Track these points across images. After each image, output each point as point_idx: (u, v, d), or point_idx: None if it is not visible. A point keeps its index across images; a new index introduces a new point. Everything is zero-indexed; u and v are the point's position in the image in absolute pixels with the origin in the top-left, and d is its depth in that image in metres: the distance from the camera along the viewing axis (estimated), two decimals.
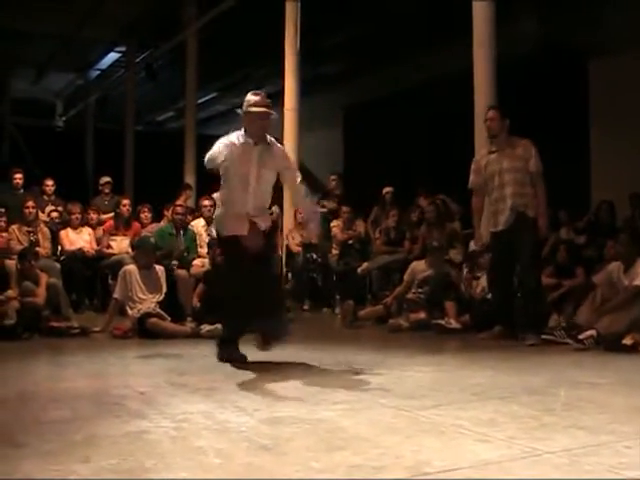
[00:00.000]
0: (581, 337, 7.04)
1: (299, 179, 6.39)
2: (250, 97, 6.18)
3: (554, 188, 8.05)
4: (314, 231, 7.57)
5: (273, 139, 6.31)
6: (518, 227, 7.64)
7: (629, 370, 5.93)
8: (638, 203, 10.43)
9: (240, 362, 5.99)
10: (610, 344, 6.83)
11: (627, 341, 6.78)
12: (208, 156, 6.14)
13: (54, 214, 11.86)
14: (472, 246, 9.53)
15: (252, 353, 6.07)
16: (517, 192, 7.67)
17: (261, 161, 6.09)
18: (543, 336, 7.48)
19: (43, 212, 11.81)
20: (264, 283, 6.01)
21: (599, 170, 12.73)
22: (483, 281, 8.98)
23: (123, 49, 20.67)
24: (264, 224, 6.13)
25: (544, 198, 7.70)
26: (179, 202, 11.86)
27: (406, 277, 9.58)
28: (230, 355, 6.13)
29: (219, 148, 6.07)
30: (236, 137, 6.13)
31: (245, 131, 6.15)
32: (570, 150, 12.59)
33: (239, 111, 6.25)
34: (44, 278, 8.77)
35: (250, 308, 6.06)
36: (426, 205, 11.34)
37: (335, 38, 15.66)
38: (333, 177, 13.45)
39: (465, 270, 9.60)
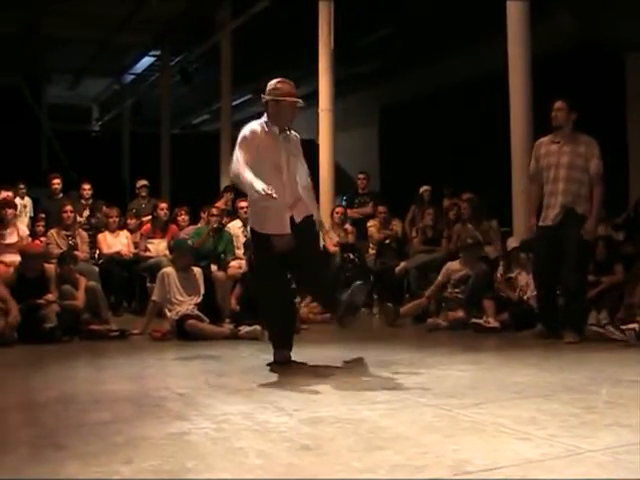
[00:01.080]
0: (623, 327, 6.98)
1: (309, 178, 6.25)
2: (280, 85, 5.97)
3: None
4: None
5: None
6: (567, 225, 7.46)
7: None
8: None
9: (282, 363, 5.96)
10: None
11: None
12: (233, 172, 5.78)
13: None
14: (511, 244, 9.46)
15: (295, 353, 6.07)
16: (570, 189, 7.48)
17: (288, 148, 5.95)
18: (594, 328, 7.45)
19: (81, 216, 11.89)
20: (311, 268, 5.97)
21: (637, 166, 12.62)
22: (521, 279, 8.92)
23: (157, 53, 20.80)
24: (300, 215, 5.92)
25: (599, 200, 7.50)
26: (219, 204, 11.92)
27: (440, 277, 9.53)
28: (278, 357, 6.05)
29: (239, 156, 5.72)
30: (260, 127, 5.92)
31: (268, 118, 5.96)
32: (608, 146, 12.44)
33: (266, 97, 5.99)
34: (83, 282, 8.84)
35: (286, 308, 6.05)
36: (461, 202, 11.27)
37: (370, 37, 15.65)
38: (361, 175, 13.38)
39: (501, 268, 9.53)
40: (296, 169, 6.02)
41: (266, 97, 5.98)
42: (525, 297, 8.71)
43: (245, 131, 5.90)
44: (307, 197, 6.11)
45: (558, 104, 7.71)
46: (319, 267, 6.23)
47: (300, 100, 6.05)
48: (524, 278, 8.85)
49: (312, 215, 6.10)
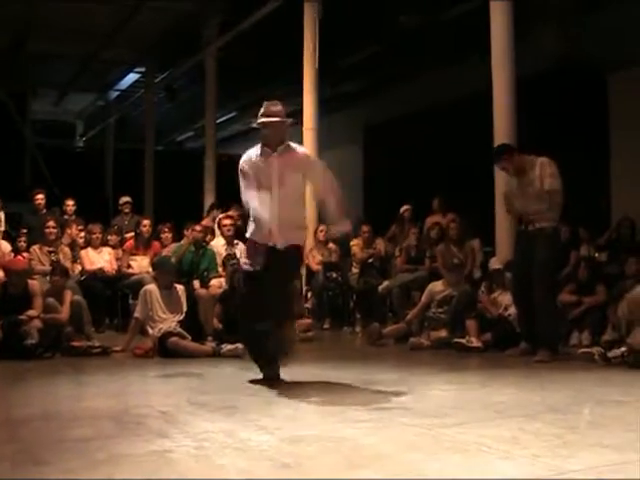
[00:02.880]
0: (610, 355, 7.01)
1: (324, 169, 6.37)
2: (265, 108, 6.25)
3: (574, 204, 8.05)
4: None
5: (295, 144, 6.37)
6: (534, 244, 7.65)
7: None
8: None
9: (270, 380, 5.98)
10: (634, 361, 6.77)
11: None
12: (244, 198, 6.18)
13: (80, 234, 11.85)
14: (493, 264, 9.49)
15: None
16: (535, 210, 7.69)
17: (282, 164, 6.11)
18: (581, 350, 7.57)
19: (64, 232, 11.83)
20: (267, 298, 5.98)
21: (619, 186, 12.68)
22: (503, 299, 8.95)
23: (142, 70, 20.80)
24: (282, 242, 6.00)
25: (559, 217, 7.81)
26: (205, 222, 11.91)
27: (423, 299, 9.54)
28: (265, 374, 6.13)
29: (242, 179, 6.15)
30: (254, 152, 6.24)
31: (262, 140, 6.22)
32: (590, 166, 12.55)
33: (256, 121, 6.30)
34: (69, 295, 8.81)
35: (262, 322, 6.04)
36: (447, 222, 11.31)
37: (354, 57, 15.70)
38: None
39: (483, 287, 9.57)
40: (294, 183, 6.16)
41: (256, 121, 6.29)
42: (507, 315, 8.73)
43: (241, 161, 6.26)
44: (329, 203, 6.32)
45: (499, 166, 8.21)
46: (276, 300, 6.12)
47: (286, 119, 6.24)
48: (505, 298, 8.89)
49: (298, 247, 6.26)
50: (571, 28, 12.59)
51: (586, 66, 12.76)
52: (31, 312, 8.23)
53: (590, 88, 12.92)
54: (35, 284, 8.64)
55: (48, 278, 9.06)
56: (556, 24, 12.82)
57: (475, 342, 8.48)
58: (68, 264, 10.99)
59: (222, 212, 11.89)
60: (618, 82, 12.63)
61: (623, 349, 6.99)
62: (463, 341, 8.51)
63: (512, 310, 8.56)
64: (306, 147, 13.00)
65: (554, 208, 7.71)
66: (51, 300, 8.59)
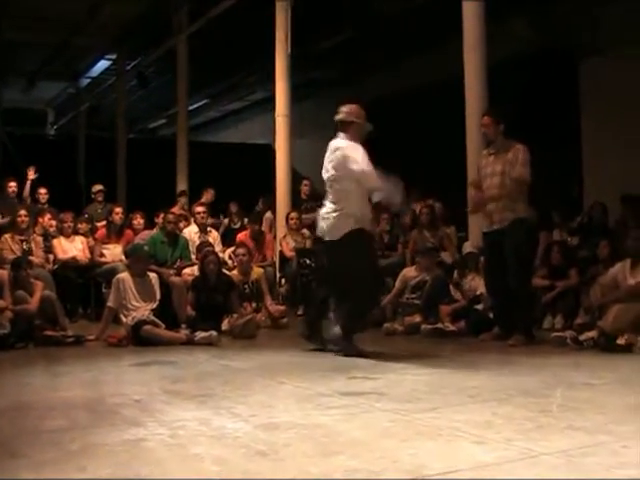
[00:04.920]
0: (581, 339, 7.07)
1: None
2: (358, 109, 7.17)
3: (546, 189, 8.08)
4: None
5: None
6: (507, 230, 7.66)
7: (625, 370, 5.93)
8: (630, 204, 10.43)
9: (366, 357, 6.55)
10: (605, 344, 6.84)
11: (621, 341, 6.79)
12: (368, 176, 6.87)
13: (52, 222, 11.74)
14: (466, 248, 9.53)
15: (250, 359, 6.05)
16: (505, 195, 7.70)
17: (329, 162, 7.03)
18: (551, 335, 7.59)
19: (37, 221, 11.75)
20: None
21: (591, 171, 12.76)
22: (478, 284, 8.99)
23: (114, 57, 20.67)
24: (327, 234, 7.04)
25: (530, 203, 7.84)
26: (174, 210, 11.86)
27: (397, 284, 9.56)
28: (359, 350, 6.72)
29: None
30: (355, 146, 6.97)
31: (348, 138, 7.01)
32: (562, 151, 12.62)
33: (350, 119, 7.10)
34: (39, 286, 8.69)
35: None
36: (420, 208, 11.35)
37: (326, 43, 15.67)
38: (306, 182, 13.28)
39: (455, 273, 9.61)
40: (332, 179, 6.97)
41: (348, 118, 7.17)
42: (480, 301, 8.78)
43: (354, 153, 6.99)
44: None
45: (485, 120, 8.06)
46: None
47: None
48: (478, 282, 8.94)
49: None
50: (543, 13, 12.63)
51: (558, 52, 12.82)
52: (0, 302, 8.16)
53: (562, 73, 12.98)
54: (4, 274, 8.56)
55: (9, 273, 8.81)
56: (528, 9, 12.86)
57: (449, 327, 8.52)
58: (40, 253, 10.94)
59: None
60: (589, 68, 12.70)
61: (595, 332, 7.05)
62: (438, 326, 8.54)
63: (483, 295, 8.63)
64: (279, 134, 13.08)
65: (519, 198, 7.71)
66: (20, 292, 8.48)
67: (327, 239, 7.00)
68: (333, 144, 7.04)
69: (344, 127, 7.08)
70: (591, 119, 12.69)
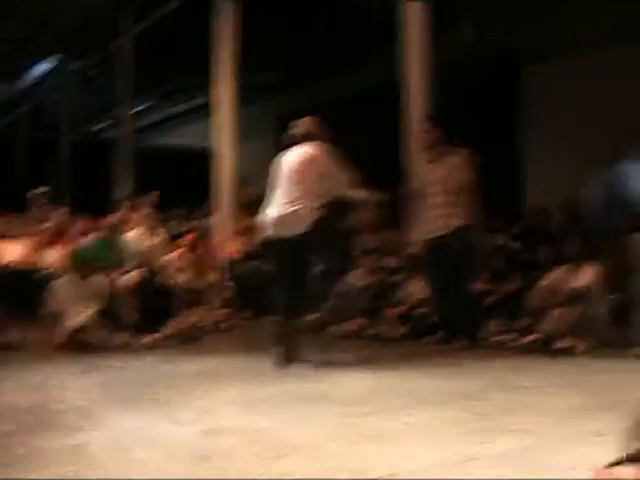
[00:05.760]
0: (523, 342, 7.17)
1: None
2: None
3: (490, 195, 8.15)
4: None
5: None
6: (449, 236, 7.68)
7: (564, 373, 6.02)
8: (569, 209, 10.55)
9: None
10: (546, 348, 6.94)
11: (563, 344, 6.90)
12: None
13: None
14: (409, 253, 9.58)
15: (194, 363, 6.04)
16: (447, 202, 7.72)
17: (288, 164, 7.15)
18: (496, 337, 7.67)
19: None
20: None
21: (533, 176, 12.91)
22: (419, 288, 9.04)
23: (58, 57, 20.42)
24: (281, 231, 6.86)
25: (473, 209, 7.78)
26: (119, 214, 11.77)
27: (343, 288, 9.58)
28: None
29: None
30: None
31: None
32: (505, 157, 12.76)
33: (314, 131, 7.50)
34: None
35: None
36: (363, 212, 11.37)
37: (268, 48, 15.65)
38: (248, 187, 13.25)
39: (399, 277, 9.65)
40: (289, 181, 6.94)
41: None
42: (421, 305, 8.83)
43: None
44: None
45: (425, 125, 8.16)
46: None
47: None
48: (421, 287, 8.99)
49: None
50: (488, 18, 12.75)
51: (500, 57, 12.96)
52: None
53: (504, 79, 13.13)
54: None
55: None
56: (471, 13, 12.97)
57: (392, 331, 8.56)
58: None
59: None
60: (532, 74, 12.86)
61: (536, 336, 7.16)
62: (380, 330, 8.58)
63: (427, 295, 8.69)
64: (223, 138, 13.04)
65: (461, 204, 7.72)
66: None
67: (283, 236, 6.88)
68: (299, 148, 7.13)
69: (308, 139, 7.26)
70: (534, 125, 12.84)
